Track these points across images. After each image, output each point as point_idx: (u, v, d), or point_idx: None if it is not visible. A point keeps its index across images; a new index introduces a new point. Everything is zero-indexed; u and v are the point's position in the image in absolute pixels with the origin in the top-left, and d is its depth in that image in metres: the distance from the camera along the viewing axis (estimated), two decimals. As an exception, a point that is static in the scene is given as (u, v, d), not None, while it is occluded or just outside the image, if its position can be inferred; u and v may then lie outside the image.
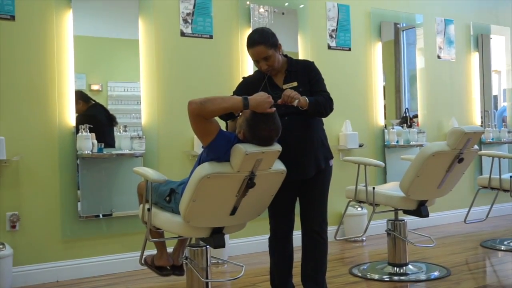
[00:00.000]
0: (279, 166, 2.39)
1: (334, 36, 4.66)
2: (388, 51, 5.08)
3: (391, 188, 3.39)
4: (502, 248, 4.07)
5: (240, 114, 2.38)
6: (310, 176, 2.58)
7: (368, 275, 3.39)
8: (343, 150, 4.56)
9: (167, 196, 2.52)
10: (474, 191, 4.35)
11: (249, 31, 4.09)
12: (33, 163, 3.39)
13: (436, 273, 3.39)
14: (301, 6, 4.49)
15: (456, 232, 4.77)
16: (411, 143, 4.94)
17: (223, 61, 4.11)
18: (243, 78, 2.77)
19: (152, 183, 2.45)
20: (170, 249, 2.80)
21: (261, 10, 4.25)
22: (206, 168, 2.22)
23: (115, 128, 3.66)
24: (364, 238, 4.48)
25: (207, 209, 2.32)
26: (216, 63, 4.08)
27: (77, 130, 3.45)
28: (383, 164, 3.43)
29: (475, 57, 5.63)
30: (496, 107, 5.92)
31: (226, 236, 2.71)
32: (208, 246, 2.52)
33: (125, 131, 3.60)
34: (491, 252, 4.03)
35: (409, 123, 5.07)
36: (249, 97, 2.25)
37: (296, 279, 2.72)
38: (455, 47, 5.49)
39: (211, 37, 4.06)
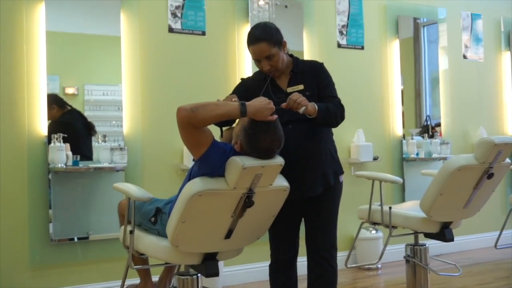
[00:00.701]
0: (282, 182, 2.39)
1: (344, 32, 4.69)
2: (407, 50, 5.10)
3: (410, 208, 3.39)
4: (539, 278, 4.07)
5: (237, 121, 2.39)
6: (317, 193, 2.58)
7: (384, 309, 3.38)
8: (355, 163, 4.57)
9: (152, 216, 2.51)
10: (506, 211, 4.35)
11: (247, 26, 4.12)
12: (-3, 177, 3.39)
13: (463, 307, 3.38)
14: (307, -2, 4.52)
15: (485, 259, 4.76)
16: (433, 155, 4.95)
17: (218, 61, 4.13)
18: (241, 80, 2.79)
19: (135, 201, 2.45)
20: (155, 278, 2.79)
21: (261, 2, 4.28)
22: (197, 184, 2.22)
23: (93, 138, 3.67)
24: (379, 266, 4.47)
25: (198, 231, 2.31)
26: (210, 63, 4.09)
27: (49, 139, 3.46)
28: (401, 180, 3.43)
29: (506, 56, 5.66)
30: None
31: (220, 263, 2.70)
32: (199, 275, 2.50)
33: (105, 141, 3.61)
34: (526, 282, 4.03)
35: (430, 133, 5.08)
36: (247, 102, 2.25)
37: (301, 313, 2.71)
38: (484, 46, 5.52)
39: (203, 33, 4.08)
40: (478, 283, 4.00)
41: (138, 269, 2.64)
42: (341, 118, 2.57)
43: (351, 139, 4.60)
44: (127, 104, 3.78)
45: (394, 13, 4.96)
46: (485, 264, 4.60)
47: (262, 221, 2.47)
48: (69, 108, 3.65)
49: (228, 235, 2.36)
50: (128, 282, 2.72)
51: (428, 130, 5.10)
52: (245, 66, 4.17)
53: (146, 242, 2.47)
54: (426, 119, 5.16)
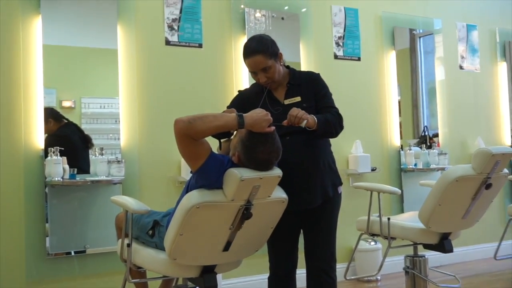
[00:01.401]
0: (280, 194, 2.39)
1: (341, 44, 4.72)
2: (403, 61, 5.13)
3: (409, 219, 3.38)
4: (539, 288, 4.06)
5: (234, 134, 2.40)
6: (316, 205, 2.58)
7: (383, 321, 3.36)
8: (353, 175, 4.57)
9: (150, 229, 2.51)
10: (505, 221, 4.34)
11: (243, 39, 4.13)
12: (-6, 191, 3.38)
13: (463, 318, 3.37)
14: (303, 10, 4.55)
15: (485, 270, 4.75)
16: (431, 166, 4.96)
17: (215, 73, 4.14)
18: (239, 92, 2.80)
19: (133, 214, 2.45)
20: (153, 292, 2.78)
21: (258, 14, 4.30)
22: (195, 196, 2.22)
23: (90, 151, 3.66)
24: (379, 277, 4.45)
25: (196, 244, 2.31)
26: (207, 75, 4.10)
27: (46, 153, 3.45)
28: (400, 191, 3.43)
29: (502, 67, 5.70)
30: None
31: (219, 276, 2.69)
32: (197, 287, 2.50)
33: (102, 154, 3.60)
34: (526, 293, 4.02)
35: (428, 144, 5.09)
36: (244, 114, 2.26)
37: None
38: (480, 56, 5.56)
39: (200, 45, 4.09)
40: (478, 294, 3.98)
41: (136, 282, 2.63)
42: (340, 127, 2.58)
43: (349, 150, 4.61)
44: (124, 117, 3.78)
45: (390, 24, 4.98)
46: (484, 275, 4.59)
47: (261, 233, 2.47)
48: (66, 121, 3.65)
49: (227, 247, 2.36)
50: (126, 296, 2.70)
51: (426, 140, 5.11)
52: (242, 78, 4.18)
53: (144, 255, 2.46)
54: (423, 130, 5.17)
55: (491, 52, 5.66)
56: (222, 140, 2.58)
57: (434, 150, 5.04)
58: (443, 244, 3.21)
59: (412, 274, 3.41)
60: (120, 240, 2.61)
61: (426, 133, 5.15)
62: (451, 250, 3.24)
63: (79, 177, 3.51)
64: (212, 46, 4.14)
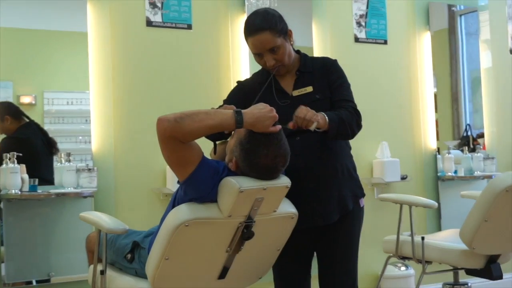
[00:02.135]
0: (288, 208, 2.40)
1: (363, 24, 4.72)
2: (440, 45, 5.13)
3: (447, 239, 3.39)
4: None
5: (232, 134, 2.40)
6: (333, 221, 2.58)
7: None
8: (379, 184, 4.57)
9: (128, 252, 2.52)
10: None
11: (242, 18, 4.13)
12: None
13: None
14: (316, -18, 4.56)
15: (543, 301, 4.74)
16: (475, 173, 4.95)
17: (208, 61, 4.14)
18: (238, 83, 2.80)
19: (107, 234, 2.45)
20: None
21: (260, -11, 4.31)
22: (183, 212, 2.22)
23: (54, 157, 3.67)
24: (412, 311, 4.44)
25: (185, 270, 2.32)
26: (198, 63, 4.11)
27: (0, 159, 3.46)
28: (436, 204, 3.44)
29: None
30: None
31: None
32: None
33: (69, 161, 3.61)
34: None
35: (471, 146, 5.09)
36: (243, 110, 2.25)
37: None
38: (535, 38, 5.54)
39: (189, 27, 4.10)
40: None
41: (112, 318, 2.63)
42: (358, 127, 2.58)
43: (373, 154, 4.60)
44: (96, 115, 3.79)
45: (424, 0, 4.98)
46: (542, 308, 4.58)
47: (265, 256, 2.48)
48: (27, 120, 3.65)
49: (223, 274, 2.36)
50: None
51: (469, 142, 5.11)
52: (241, 66, 4.18)
53: (121, 284, 2.47)
54: (465, 129, 5.17)
55: (549, 32, 5.65)
56: (217, 143, 2.58)
57: (478, 154, 5.02)
58: (490, 269, 3.21)
59: (452, 307, 3.41)
60: (92, 266, 2.61)
61: (469, 133, 5.15)
62: (500, 277, 3.24)
63: (41, 189, 3.52)
64: (203, 28, 4.14)
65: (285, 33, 2.57)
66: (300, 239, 2.55)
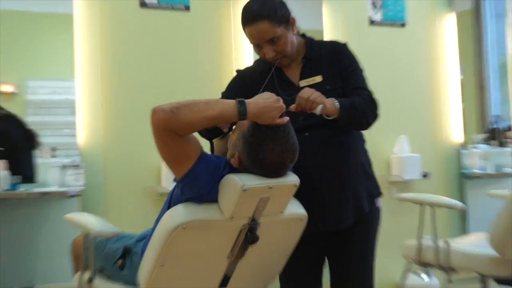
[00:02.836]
0: (297, 209, 2.40)
1: (379, 4, 4.71)
2: (465, 28, 5.12)
3: (475, 243, 3.38)
4: None
5: (234, 128, 2.41)
6: (347, 225, 2.58)
7: None
8: (398, 182, 4.57)
9: (119, 258, 2.52)
10: None
11: (243, 0, 4.12)
12: None
13: None
14: (328, -42, 4.56)
15: None
16: (505, 170, 4.95)
17: (208, 46, 4.15)
18: (237, 72, 2.81)
19: (96, 238, 2.46)
20: None
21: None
22: (180, 213, 2.23)
23: (37, 152, 3.67)
24: (434, 324, 4.45)
25: (182, 278, 2.32)
26: (196, 48, 4.12)
27: (-23, 156, 3.48)
28: (462, 205, 3.43)
29: None
30: None
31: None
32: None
33: (54, 156, 3.62)
34: None
35: (500, 140, 5.08)
36: (247, 100, 2.24)
37: None
38: None
39: (187, 8, 4.10)
40: None
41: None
42: (374, 116, 2.57)
43: (391, 150, 4.61)
44: (83, 105, 3.80)
45: (448, -23, 4.99)
46: None
47: (271, 263, 2.48)
48: (5, 112, 3.66)
49: (224, 283, 2.37)
50: None
51: (497, 135, 5.10)
52: (243, 52, 4.19)
53: (111, 293, 2.48)
54: (493, 121, 5.16)
55: None
56: (215, 140, 2.58)
57: (508, 149, 5.03)
58: (523, 278, 3.22)
59: (479, 320, 3.42)
60: (78, 273, 2.61)
61: (497, 126, 5.14)
62: (533, 286, 3.25)
63: (23, 188, 3.53)
64: (203, 9, 4.15)
65: (287, 21, 2.55)
66: (310, 244, 2.56)
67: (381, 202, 2.72)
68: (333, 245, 2.66)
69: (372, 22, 4.70)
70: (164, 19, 4.04)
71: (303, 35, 2.70)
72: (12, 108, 3.68)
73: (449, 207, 3.31)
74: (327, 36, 4.44)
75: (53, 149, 3.64)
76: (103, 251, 2.59)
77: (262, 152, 2.23)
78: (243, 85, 2.67)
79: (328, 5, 4.52)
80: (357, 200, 2.60)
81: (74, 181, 3.61)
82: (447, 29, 4.95)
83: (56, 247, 3.56)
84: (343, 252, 2.65)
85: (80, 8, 3.82)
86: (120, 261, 2.51)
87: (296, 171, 2.35)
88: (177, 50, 4.07)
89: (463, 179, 4.88)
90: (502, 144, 5.07)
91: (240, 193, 2.18)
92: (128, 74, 3.94)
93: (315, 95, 2.36)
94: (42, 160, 3.65)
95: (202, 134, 2.49)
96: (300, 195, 2.38)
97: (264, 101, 2.23)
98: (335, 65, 2.62)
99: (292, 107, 2.37)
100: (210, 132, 2.47)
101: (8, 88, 3.70)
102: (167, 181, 3.78)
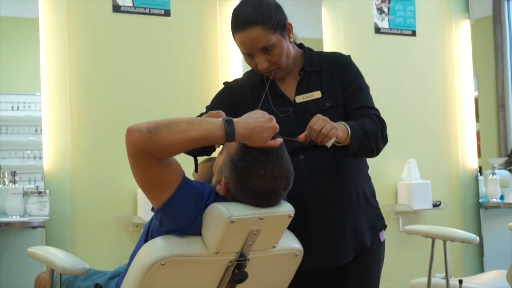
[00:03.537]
0: (291, 243, 2.39)
1: (386, 10, 4.73)
2: (483, 37, 5.15)
3: (492, 282, 3.39)
4: None
5: (221, 150, 2.39)
6: (346, 261, 2.58)
7: None
8: (405, 213, 4.57)
9: (89, 298, 2.51)
10: None
11: (231, 4, 4.13)
12: None
13: None
14: (327, -41, 4.58)
15: None
16: (526, 199, 4.96)
17: (190, 55, 4.16)
18: (225, 84, 2.80)
19: (62, 275, 2.43)
20: None
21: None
22: (158, 247, 2.22)
23: (-5, 177, 3.67)
24: None
25: (160, 321, 2.30)
26: (177, 58, 4.12)
27: None
28: (478, 239, 3.43)
29: None
30: None
31: None
32: None
33: (14, 181, 3.60)
34: None
35: (522, 165, 5.10)
36: (235, 119, 2.23)
37: None
38: None
39: (167, 13, 4.11)
40: None
41: None
42: (383, 140, 2.56)
43: (398, 175, 4.61)
44: (49, 123, 3.79)
45: (462, -19, 5.02)
46: None
47: (261, 304, 2.46)
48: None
49: (208, 327, 2.35)
50: None
51: (518, 160, 5.13)
52: (231, 62, 4.20)
53: None
54: (514, 143, 5.19)
55: None
56: (200, 161, 2.57)
57: (530, 175, 5.05)
58: (546, 322, 3.21)
59: None
60: (42, 315, 2.60)
61: (518, 149, 5.17)
62: (557, 331, 3.24)
63: (-22, 217, 3.52)
64: (185, 14, 4.16)
65: (283, 27, 2.55)
66: (305, 283, 2.55)
67: (386, 235, 2.71)
68: (332, 283, 2.65)
69: (378, 30, 4.71)
70: (141, 25, 4.04)
71: (300, 45, 2.69)
72: (-33, 125, 3.68)
73: (464, 241, 3.30)
74: (327, 45, 4.45)
75: (14, 173, 3.62)
76: (71, 289, 2.58)
77: (252, 179, 2.22)
78: (231, 99, 2.67)
79: (328, 11, 4.53)
80: (358, 234, 2.60)
81: (38, 210, 3.60)
82: (463, 38, 4.97)
83: (18, 285, 3.52)
84: (343, 291, 2.65)
85: (45, 11, 3.80)
86: (90, 302, 2.51)
87: (290, 200, 2.34)
88: (156, 59, 4.06)
89: (479, 209, 4.88)
90: (523, 170, 5.09)
91: (227, 225, 2.17)
92: (101, 88, 3.93)
93: (328, 127, 2.32)
94: (1, 186, 3.63)
95: (189, 152, 2.45)
96: (294, 228, 2.36)
97: (255, 121, 2.21)
98: (336, 80, 2.62)
99: (301, 137, 2.36)
100: (196, 148, 2.41)
101: (-38, 103, 3.70)
102: (144, 210, 3.76)
